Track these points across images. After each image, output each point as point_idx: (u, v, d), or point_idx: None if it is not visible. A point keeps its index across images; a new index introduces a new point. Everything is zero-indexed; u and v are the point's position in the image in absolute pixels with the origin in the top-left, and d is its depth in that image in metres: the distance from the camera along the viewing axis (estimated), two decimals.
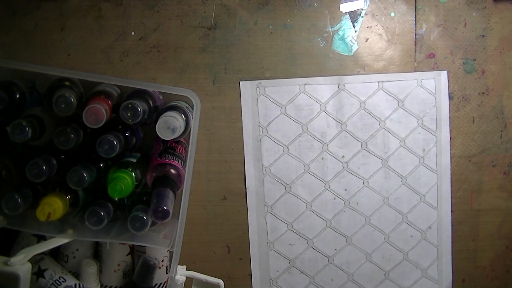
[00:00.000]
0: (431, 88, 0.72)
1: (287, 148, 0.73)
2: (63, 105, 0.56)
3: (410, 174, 0.74)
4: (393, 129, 0.73)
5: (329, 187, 0.73)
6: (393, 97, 0.72)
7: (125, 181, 0.59)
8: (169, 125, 0.59)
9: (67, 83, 0.60)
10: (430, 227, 0.75)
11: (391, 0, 0.72)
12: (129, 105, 0.57)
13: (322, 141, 0.73)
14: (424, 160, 0.74)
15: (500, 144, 0.74)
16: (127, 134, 0.63)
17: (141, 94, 0.61)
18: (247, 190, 0.73)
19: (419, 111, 0.73)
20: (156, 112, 0.62)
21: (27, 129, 0.56)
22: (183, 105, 0.64)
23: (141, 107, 0.57)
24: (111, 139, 0.57)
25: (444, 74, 0.72)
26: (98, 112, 0.55)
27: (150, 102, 0.62)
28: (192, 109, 0.63)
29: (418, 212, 0.74)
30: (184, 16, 0.70)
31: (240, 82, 0.72)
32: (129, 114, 0.57)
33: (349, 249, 0.74)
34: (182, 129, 0.59)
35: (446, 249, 0.75)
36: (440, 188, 0.74)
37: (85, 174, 0.58)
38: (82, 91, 0.61)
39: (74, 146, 0.57)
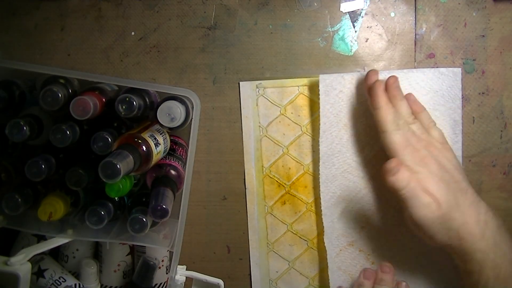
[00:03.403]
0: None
1: (287, 148, 0.73)
2: (49, 99, 0.56)
3: None
4: None
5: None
6: None
7: (122, 180, 0.59)
8: (170, 113, 0.58)
9: (61, 80, 0.60)
10: None
11: (391, 0, 0.72)
12: (126, 99, 0.57)
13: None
14: None
15: (500, 144, 0.74)
16: (122, 132, 0.63)
17: (138, 91, 0.61)
18: (246, 190, 0.73)
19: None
20: (152, 109, 0.62)
21: (24, 128, 0.56)
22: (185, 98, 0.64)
23: (137, 101, 0.57)
24: (106, 136, 0.57)
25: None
26: (85, 104, 0.55)
27: (147, 99, 0.62)
28: (192, 108, 0.63)
29: None
30: (184, 16, 0.70)
31: (240, 83, 0.72)
32: (124, 107, 0.57)
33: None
34: (181, 121, 0.59)
35: None
36: None
37: (83, 174, 0.58)
38: (76, 89, 0.61)
39: (71, 144, 0.57)
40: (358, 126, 0.71)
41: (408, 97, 0.68)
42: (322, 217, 0.71)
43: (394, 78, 0.66)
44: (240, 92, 0.72)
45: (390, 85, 0.65)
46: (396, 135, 0.62)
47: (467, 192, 0.61)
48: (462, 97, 0.72)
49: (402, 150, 0.61)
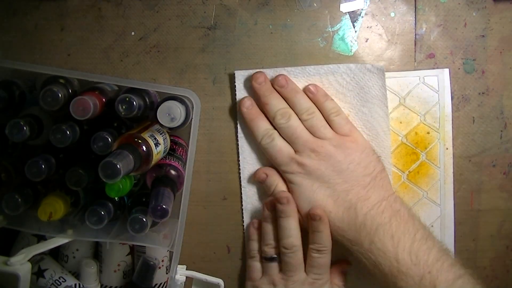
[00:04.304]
0: (434, 85, 0.72)
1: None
2: (49, 99, 0.56)
3: (413, 170, 0.74)
4: (394, 126, 0.73)
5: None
6: (395, 94, 0.72)
7: (122, 180, 0.59)
8: (170, 113, 0.58)
9: (61, 80, 0.60)
10: (432, 225, 0.74)
11: (391, 0, 0.72)
12: (126, 99, 0.57)
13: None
14: (426, 156, 0.73)
15: (500, 144, 0.74)
16: (122, 132, 0.63)
17: (138, 91, 0.61)
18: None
19: (422, 108, 0.73)
20: (152, 109, 0.62)
21: (24, 128, 0.56)
22: (185, 98, 0.64)
23: (137, 101, 0.57)
24: (106, 136, 0.57)
25: (446, 72, 0.72)
26: (85, 104, 0.55)
27: (147, 99, 0.62)
28: (192, 108, 0.63)
29: (420, 209, 0.74)
30: (184, 16, 0.70)
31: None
32: (124, 107, 0.57)
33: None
34: (181, 121, 0.59)
35: (449, 247, 0.74)
36: (443, 185, 0.74)
37: (83, 174, 0.58)
38: (76, 89, 0.61)
39: (71, 144, 0.57)
40: None
41: (308, 89, 0.68)
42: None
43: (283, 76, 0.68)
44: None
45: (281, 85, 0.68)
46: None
47: (349, 193, 0.63)
48: (462, 97, 0.72)
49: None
